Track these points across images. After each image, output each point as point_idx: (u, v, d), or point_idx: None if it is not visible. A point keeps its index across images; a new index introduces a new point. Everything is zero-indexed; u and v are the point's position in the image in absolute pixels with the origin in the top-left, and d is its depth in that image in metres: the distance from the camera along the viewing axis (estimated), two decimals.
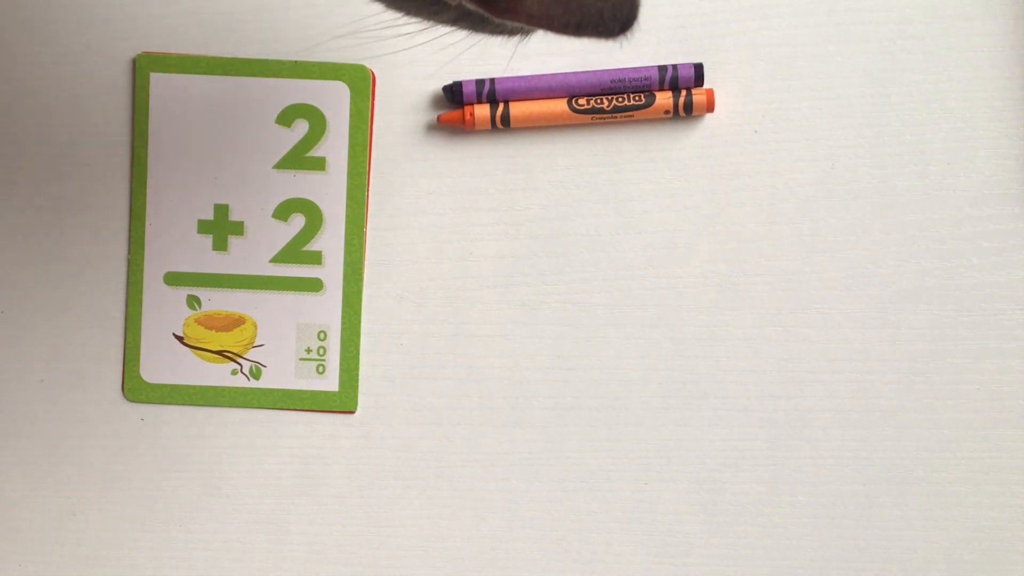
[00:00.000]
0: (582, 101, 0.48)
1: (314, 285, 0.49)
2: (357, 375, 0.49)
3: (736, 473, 0.49)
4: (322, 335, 0.49)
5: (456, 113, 0.48)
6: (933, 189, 0.49)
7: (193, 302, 0.49)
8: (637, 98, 0.48)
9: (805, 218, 0.49)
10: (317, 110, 0.49)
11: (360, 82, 0.49)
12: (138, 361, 0.49)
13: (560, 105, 0.48)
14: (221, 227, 0.49)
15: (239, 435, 0.49)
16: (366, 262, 0.49)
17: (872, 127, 0.49)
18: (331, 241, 0.49)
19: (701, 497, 0.49)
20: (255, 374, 0.49)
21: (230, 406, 0.49)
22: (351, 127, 0.49)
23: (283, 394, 0.49)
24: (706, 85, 0.48)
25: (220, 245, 0.49)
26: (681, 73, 0.48)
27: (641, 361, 0.49)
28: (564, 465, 0.49)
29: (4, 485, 0.49)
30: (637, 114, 0.48)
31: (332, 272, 0.49)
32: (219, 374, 0.49)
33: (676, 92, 0.48)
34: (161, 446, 0.49)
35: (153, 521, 0.49)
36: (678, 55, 0.49)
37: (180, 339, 0.49)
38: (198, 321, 0.49)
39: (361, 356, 0.49)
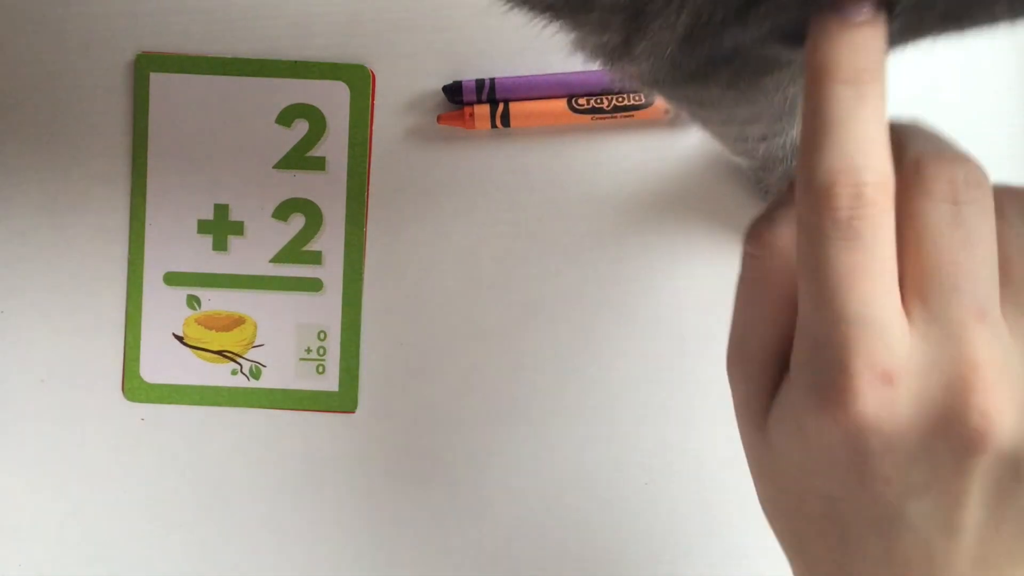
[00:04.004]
0: (582, 101, 0.48)
1: (314, 285, 0.49)
2: (357, 375, 0.49)
3: (736, 473, 0.49)
4: (322, 335, 0.49)
5: (456, 113, 0.48)
6: None
7: (193, 302, 0.49)
8: (637, 98, 0.48)
9: None
10: (317, 110, 0.49)
11: (360, 82, 0.49)
12: (138, 361, 0.49)
13: (560, 105, 0.48)
14: (221, 227, 0.49)
15: (239, 435, 0.49)
16: (366, 262, 0.49)
17: None
18: (331, 241, 0.49)
19: (701, 497, 0.49)
20: (255, 374, 0.49)
21: (230, 406, 0.49)
22: (351, 127, 0.49)
23: (283, 394, 0.49)
24: None
25: (220, 245, 0.49)
26: None
27: (641, 361, 0.49)
28: (564, 465, 0.49)
29: (4, 485, 0.49)
30: (637, 114, 0.48)
31: (332, 272, 0.49)
32: (219, 374, 0.49)
33: None
34: (161, 446, 0.49)
35: (153, 521, 0.49)
36: None
37: (180, 339, 0.49)
38: (198, 321, 0.49)
39: (361, 356, 0.49)
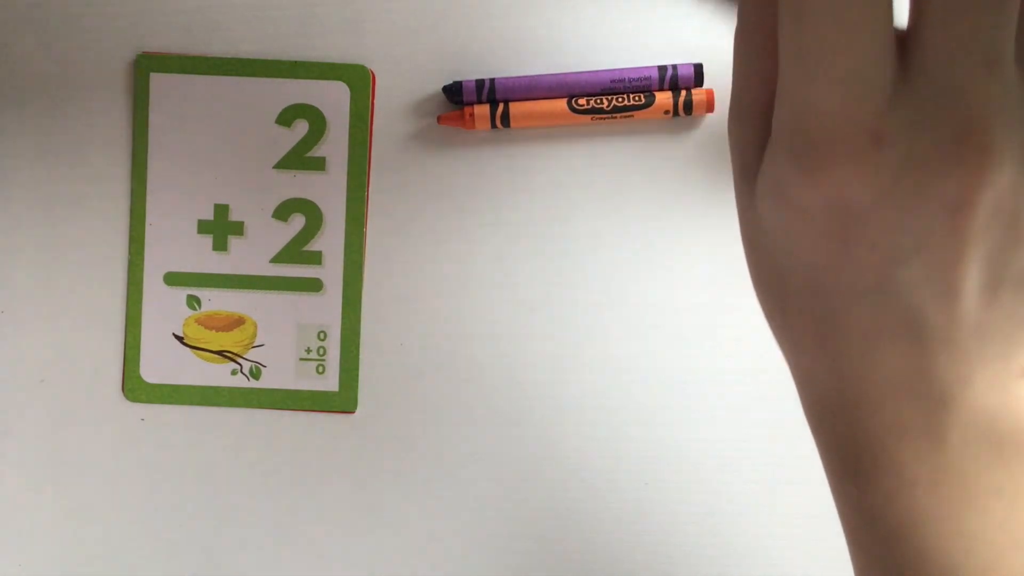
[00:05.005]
0: (582, 101, 0.48)
1: (314, 285, 0.49)
2: (357, 375, 0.49)
3: (736, 473, 0.49)
4: (322, 335, 0.49)
5: (456, 113, 0.48)
6: None
7: (193, 302, 0.49)
8: (637, 98, 0.48)
9: None
10: (317, 110, 0.49)
11: (360, 82, 0.49)
12: (138, 361, 0.49)
13: (560, 105, 0.48)
14: (221, 227, 0.49)
15: (239, 435, 0.49)
16: (366, 262, 0.49)
17: None
18: (331, 241, 0.49)
19: (701, 497, 0.49)
20: (255, 374, 0.49)
21: (230, 406, 0.49)
22: (351, 127, 0.49)
23: (283, 394, 0.49)
24: (706, 85, 0.48)
25: (220, 245, 0.49)
26: (681, 73, 0.48)
27: (641, 361, 0.49)
28: (564, 465, 0.49)
29: (4, 485, 0.49)
30: (637, 114, 0.48)
31: (332, 272, 0.49)
32: (219, 374, 0.49)
33: (676, 92, 0.48)
34: (161, 446, 0.49)
35: (153, 521, 0.49)
36: (678, 55, 0.49)
37: (180, 339, 0.49)
38: (198, 321, 0.49)
39: (361, 356, 0.49)
